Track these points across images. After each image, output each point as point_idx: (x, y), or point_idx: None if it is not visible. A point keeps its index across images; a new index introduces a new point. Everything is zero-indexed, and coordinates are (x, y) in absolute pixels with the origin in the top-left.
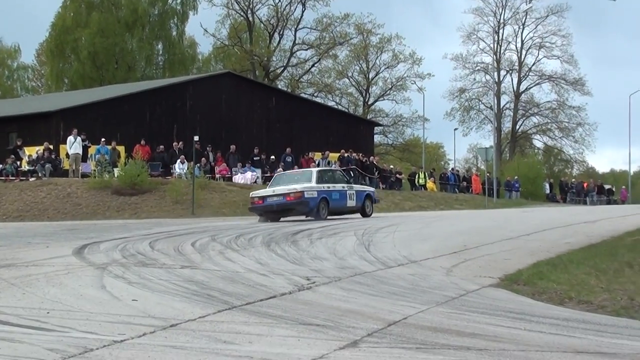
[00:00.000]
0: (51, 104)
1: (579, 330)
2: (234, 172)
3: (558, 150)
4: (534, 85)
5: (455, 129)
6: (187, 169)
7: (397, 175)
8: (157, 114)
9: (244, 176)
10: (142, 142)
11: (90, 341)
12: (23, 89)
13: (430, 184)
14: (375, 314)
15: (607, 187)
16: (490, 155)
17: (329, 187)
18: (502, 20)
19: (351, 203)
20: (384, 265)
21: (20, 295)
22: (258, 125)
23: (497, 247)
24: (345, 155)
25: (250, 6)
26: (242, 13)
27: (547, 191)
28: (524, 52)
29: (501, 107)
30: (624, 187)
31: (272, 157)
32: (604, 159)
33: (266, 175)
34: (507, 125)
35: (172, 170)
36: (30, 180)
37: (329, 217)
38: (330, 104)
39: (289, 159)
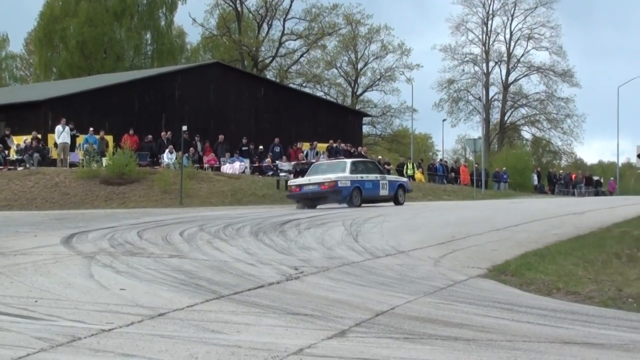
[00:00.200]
0: (39, 93)
1: (567, 321)
2: (222, 162)
3: (546, 141)
4: (523, 77)
5: (444, 120)
6: (176, 158)
7: (386, 166)
8: (146, 103)
9: (232, 166)
10: (131, 131)
11: (78, 330)
12: (11, 78)
13: (418, 175)
14: (363, 304)
15: (595, 178)
16: (478, 146)
17: (362, 177)
18: (491, 12)
19: (384, 192)
20: (372, 256)
21: (8, 284)
22: (246, 115)
23: (485, 238)
24: (334, 145)
25: None
26: (230, 3)
27: (535, 182)
28: (512, 43)
29: (490, 98)
30: (612, 178)
31: (261, 147)
32: (592, 150)
33: (254, 165)
34: (495, 116)
35: (160, 160)
36: (19, 169)
37: (362, 205)
38: (319, 94)
39: (277, 149)
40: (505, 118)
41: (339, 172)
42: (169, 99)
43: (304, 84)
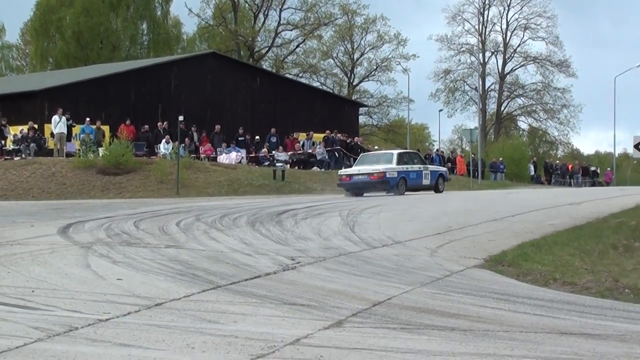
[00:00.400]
0: (36, 83)
1: (563, 311)
2: (218, 152)
3: (543, 131)
4: (519, 67)
5: (440, 110)
6: (172, 148)
7: None
8: (142, 93)
9: (229, 156)
10: (128, 121)
11: (75, 320)
12: (7, 68)
13: None
14: (359, 294)
15: (592, 169)
16: (475, 136)
17: (407, 168)
18: (487, 2)
19: (426, 181)
20: (369, 246)
21: (5, 273)
22: (243, 105)
23: (481, 229)
24: (330, 135)
25: None
26: None
27: (532, 173)
28: (509, 33)
29: (486, 88)
30: (608, 169)
31: (257, 137)
32: (588, 140)
33: (251, 155)
34: (492, 106)
35: (156, 150)
36: (15, 159)
37: (406, 193)
38: (315, 84)
39: (273, 139)
40: (502, 108)
41: (386, 163)
42: (166, 89)
43: (300, 74)
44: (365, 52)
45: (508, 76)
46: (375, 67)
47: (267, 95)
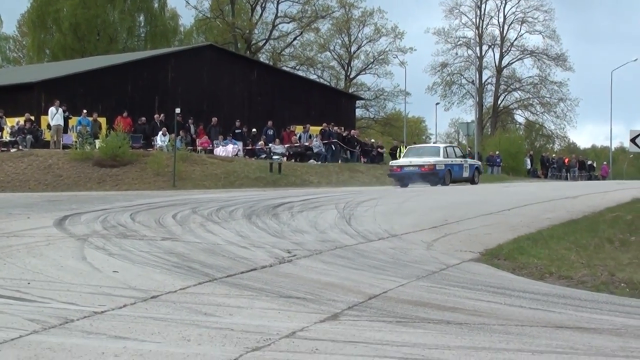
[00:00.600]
0: (32, 75)
1: (559, 305)
2: (215, 145)
3: (539, 125)
4: (516, 60)
5: (437, 104)
6: (169, 141)
7: (379, 150)
8: (139, 86)
9: (226, 149)
10: (125, 114)
11: (71, 312)
12: (4, 59)
13: None
14: (355, 287)
15: (588, 162)
16: (471, 130)
17: (452, 161)
18: None
19: (466, 174)
20: (365, 239)
21: (1, 265)
22: (240, 98)
23: (477, 222)
24: (327, 128)
25: None
26: None
27: (529, 166)
28: (506, 27)
29: (483, 82)
30: (605, 162)
31: (254, 130)
32: (585, 134)
33: (247, 148)
34: (488, 100)
35: (153, 143)
36: (11, 151)
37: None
38: (312, 77)
39: (270, 132)
40: (499, 102)
41: (434, 155)
42: (162, 82)
43: (297, 67)
44: (363, 45)
45: (505, 70)
46: (372, 60)
47: (264, 87)
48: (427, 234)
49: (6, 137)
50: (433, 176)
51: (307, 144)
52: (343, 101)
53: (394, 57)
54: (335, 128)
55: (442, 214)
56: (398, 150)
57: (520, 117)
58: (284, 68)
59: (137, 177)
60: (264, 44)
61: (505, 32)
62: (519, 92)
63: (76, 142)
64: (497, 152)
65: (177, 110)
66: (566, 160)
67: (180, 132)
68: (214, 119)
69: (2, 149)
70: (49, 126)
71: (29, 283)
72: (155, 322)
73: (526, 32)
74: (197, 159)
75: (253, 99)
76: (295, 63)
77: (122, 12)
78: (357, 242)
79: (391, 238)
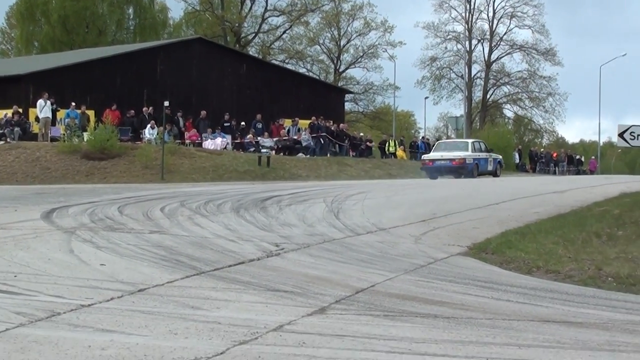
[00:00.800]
0: (21, 67)
1: (546, 299)
2: (203, 138)
3: (528, 120)
4: (505, 55)
5: (426, 98)
6: (157, 134)
7: (368, 143)
8: (128, 78)
9: (214, 142)
10: (114, 107)
11: (58, 305)
12: None
13: (400, 152)
14: (343, 281)
15: (576, 157)
16: (460, 124)
17: (479, 155)
18: None
19: (490, 167)
20: (353, 233)
21: None
22: (228, 91)
23: (466, 216)
24: (316, 122)
25: None
26: None
27: (517, 161)
28: (495, 21)
29: (472, 76)
30: (593, 157)
31: (243, 123)
32: (573, 129)
33: (236, 141)
34: (477, 94)
35: (141, 135)
36: None
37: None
38: (301, 71)
39: (259, 126)
40: (488, 96)
41: (464, 150)
42: (151, 74)
43: (286, 61)
44: (352, 39)
45: (494, 64)
46: (361, 54)
47: (253, 81)
48: (415, 227)
49: None
50: (463, 169)
51: (296, 137)
52: (332, 95)
53: (383, 51)
54: (325, 122)
55: (430, 208)
56: (387, 144)
57: (509, 111)
58: (273, 61)
59: (125, 170)
60: (254, 38)
61: (494, 26)
62: (507, 86)
63: (64, 134)
64: None
65: (166, 103)
66: (554, 155)
67: (169, 125)
68: (203, 112)
69: None
70: (37, 119)
71: (15, 276)
72: (143, 316)
73: (515, 26)
74: (186, 152)
75: (242, 92)
76: (284, 56)
77: (111, 5)
78: (345, 235)
79: (379, 232)
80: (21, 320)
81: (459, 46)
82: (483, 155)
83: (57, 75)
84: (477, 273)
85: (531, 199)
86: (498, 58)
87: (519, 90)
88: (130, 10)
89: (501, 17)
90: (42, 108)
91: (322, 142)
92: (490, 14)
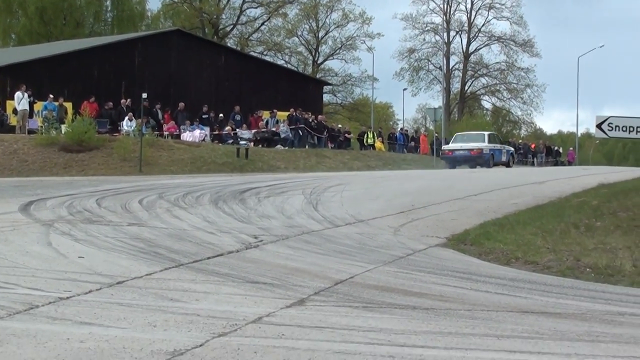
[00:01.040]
0: None
1: (525, 290)
2: (182, 130)
3: (506, 111)
4: (483, 46)
5: (405, 89)
6: (135, 126)
7: (346, 135)
8: (106, 70)
9: (192, 134)
10: (92, 99)
11: (36, 298)
12: None
13: (378, 144)
14: (322, 273)
15: (554, 148)
16: (438, 115)
17: (494, 147)
18: None
19: (504, 158)
20: (332, 224)
21: None
22: (207, 83)
23: (444, 207)
24: (294, 114)
25: None
26: None
27: None
28: (473, 13)
29: (450, 67)
30: (571, 148)
31: (221, 115)
32: (551, 120)
33: (214, 133)
34: (456, 85)
35: (119, 128)
36: None
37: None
38: (280, 62)
39: (237, 117)
40: (466, 88)
41: (481, 141)
42: (129, 67)
43: (264, 53)
44: (330, 30)
45: (472, 56)
46: (339, 46)
47: (231, 73)
48: (393, 219)
49: None
50: (480, 159)
51: (274, 129)
52: (310, 87)
53: (361, 43)
54: (303, 113)
55: (409, 200)
56: (365, 136)
57: (487, 102)
58: (252, 53)
59: (104, 162)
60: (232, 29)
61: (472, 18)
62: (486, 78)
63: (42, 127)
64: None
65: (144, 96)
66: (533, 146)
67: (145, 117)
68: (181, 104)
69: None
70: (14, 111)
71: None
72: (121, 308)
73: (494, 18)
74: (164, 144)
75: (220, 84)
76: (262, 48)
77: None
78: (324, 227)
79: (358, 223)
80: None
81: (437, 38)
82: (498, 146)
83: (34, 67)
84: (455, 264)
85: (509, 190)
86: (476, 49)
87: (497, 82)
88: (108, 2)
89: (479, 9)
90: (20, 100)
91: (301, 133)
92: (469, 6)
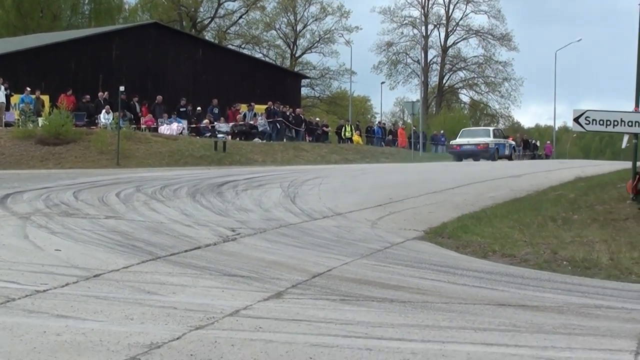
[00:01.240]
0: None
1: (502, 283)
2: (159, 123)
3: (484, 104)
4: (461, 40)
5: (383, 83)
6: (113, 119)
7: (324, 128)
8: (83, 63)
9: (170, 127)
10: (70, 92)
11: (13, 291)
12: None
13: (356, 137)
14: (299, 266)
15: (532, 142)
16: (416, 109)
17: (499, 141)
18: None
19: (506, 152)
20: (309, 217)
21: None
22: (185, 76)
23: (422, 201)
24: (272, 107)
25: None
26: None
27: None
28: (451, 6)
29: (428, 61)
30: (548, 142)
31: (199, 108)
32: (529, 114)
33: (192, 126)
34: (434, 79)
35: (97, 121)
36: None
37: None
38: (258, 56)
39: (215, 111)
40: (444, 81)
41: (486, 136)
42: (107, 60)
43: (242, 46)
44: (308, 23)
45: (450, 49)
46: (318, 39)
47: (209, 66)
48: (371, 212)
49: None
50: (486, 153)
51: (252, 122)
52: (288, 80)
53: (339, 36)
54: (281, 107)
55: (386, 193)
56: (343, 129)
57: (465, 96)
58: (230, 46)
59: (81, 155)
60: (210, 22)
61: (450, 11)
62: (464, 71)
63: (19, 120)
64: (441, 131)
65: (122, 89)
66: (510, 139)
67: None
68: (159, 97)
69: None
70: None
71: None
72: (98, 301)
73: (471, 11)
74: (142, 138)
75: (198, 77)
76: (240, 41)
77: None
78: (302, 220)
79: (336, 216)
80: None
81: (415, 31)
82: (501, 141)
83: (11, 60)
84: (433, 257)
85: (487, 183)
86: (454, 43)
87: (475, 75)
88: None
89: (457, 2)
90: None
91: (279, 127)
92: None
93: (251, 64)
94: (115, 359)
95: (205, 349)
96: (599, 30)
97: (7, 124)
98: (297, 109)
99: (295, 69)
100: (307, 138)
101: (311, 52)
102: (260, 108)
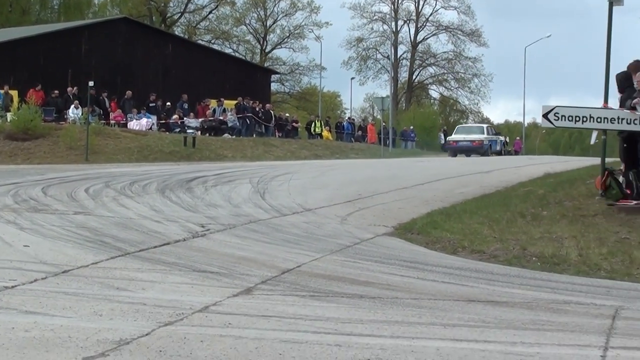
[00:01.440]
0: None
1: (472, 279)
2: (129, 119)
3: (454, 100)
4: (431, 36)
5: (352, 78)
6: (82, 114)
7: (294, 124)
8: (52, 58)
9: (139, 122)
10: (39, 87)
11: None
12: None
13: (326, 133)
14: (269, 262)
15: (501, 138)
16: (386, 104)
17: (492, 138)
18: None
19: (498, 148)
20: (279, 213)
21: None
22: (154, 71)
23: (391, 197)
24: (242, 103)
25: None
26: None
27: (442, 141)
28: (421, 2)
29: (398, 57)
30: (518, 138)
31: (168, 103)
32: (498, 110)
33: (161, 121)
34: (403, 75)
35: (66, 116)
36: None
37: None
38: (228, 51)
39: (184, 106)
40: (414, 77)
41: (481, 133)
42: (76, 54)
43: (212, 41)
44: (278, 19)
45: (420, 45)
46: (287, 35)
47: (178, 61)
48: (341, 208)
49: None
50: (481, 149)
51: (221, 118)
52: (258, 75)
53: (309, 32)
54: (250, 102)
55: (355, 189)
56: (313, 125)
57: (434, 92)
58: (199, 42)
59: (50, 150)
60: (179, 18)
61: (420, 7)
62: (433, 67)
63: None
64: (411, 127)
65: (91, 84)
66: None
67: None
68: (128, 93)
69: None
70: None
71: None
72: (67, 297)
73: (441, 7)
74: (111, 133)
75: (168, 72)
76: (210, 37)
77: None
78: (271, 216)
79: (305, 212)
80: None
81: (385, 27)
82: (493, 137)
83: None
84: (402, 253)
85: (456, 179)
86: (424, 39)
87: (445, 71)
88: None
89: None
90: None
91: (248, 122)
92: None
93: (221, 60)
94: (84, 355)
95: (174, 345)
96: (569, 26)
97: None
98: (267, 105)
99: (265, 65)
100: (276, 134)
101: (281, 47)
102: (229, 103)
